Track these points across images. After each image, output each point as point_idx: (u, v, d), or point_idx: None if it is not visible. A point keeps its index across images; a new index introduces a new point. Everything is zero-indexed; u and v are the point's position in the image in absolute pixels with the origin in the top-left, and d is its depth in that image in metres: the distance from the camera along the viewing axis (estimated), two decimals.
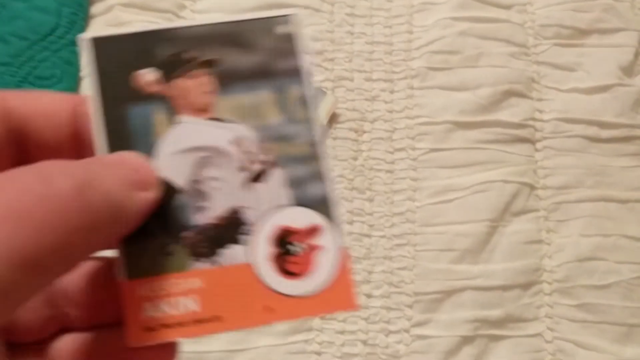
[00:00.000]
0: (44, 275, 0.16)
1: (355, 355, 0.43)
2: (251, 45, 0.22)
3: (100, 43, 0.21)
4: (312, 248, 0.21)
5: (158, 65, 0.21)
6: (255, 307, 0.20)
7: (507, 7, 0.50)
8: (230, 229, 0.21)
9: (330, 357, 0.43)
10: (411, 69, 0.48)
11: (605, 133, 0.47)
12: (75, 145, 0.22)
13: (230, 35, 0.22)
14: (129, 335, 0.20)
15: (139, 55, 0.21)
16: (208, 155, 0.21)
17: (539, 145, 0.47)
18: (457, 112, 0.47)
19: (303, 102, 0.22)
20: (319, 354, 0.43)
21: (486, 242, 0.45)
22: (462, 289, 0.44)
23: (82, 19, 0.49)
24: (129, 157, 0.20)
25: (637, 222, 0.46)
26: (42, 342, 0.21)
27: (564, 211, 0.46)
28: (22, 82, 0.48)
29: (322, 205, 0.21)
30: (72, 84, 0.47)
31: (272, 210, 0.21)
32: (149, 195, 0.20)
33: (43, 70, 0.48)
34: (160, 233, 0.21)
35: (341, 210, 0.22)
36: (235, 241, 0.21)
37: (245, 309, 0.20)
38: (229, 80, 0.21)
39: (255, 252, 0.21)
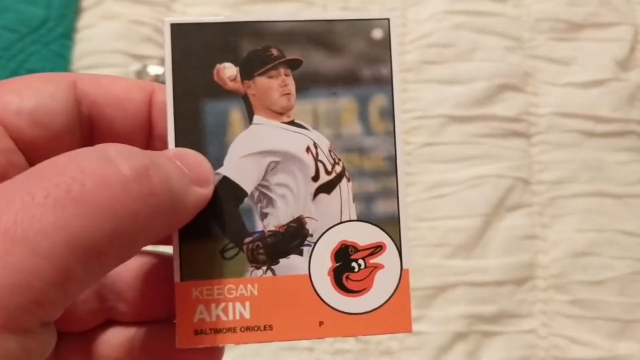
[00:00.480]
0: (102, 263, 0.16)
1: (348, 351, 0.43)
2: (339, 48, 0.20)
3: (180, 29, 0.20)
4: (374, 267, 0.20)
5: (239, 60, 0.20)
6: (308, 320, 0.20)
7: (502, 1, 0.49)
8: (292, 238, 0.20)
9: (322, 354, 0.43)
10: (405, 62, 0.48)
11: (601, 128, 0.47)
12: (146, 137, 0.21)
13: (318, 34, 0.20)
14: (179, 336, 0.20)
15: (220, 47, 0.20)
16: (280, 161, 0.20)
17: (534, 139, 0.47)
18: (452, 106, 0.47)
19: (386, 113, 0.21)
20: (310, 350, 0.43)
21: (480, 237, 0.44)
22: (455, 285, 0.43)
23: (72, 12, 0.48)
24: (188, 153, 0.20)
25: (632, 218, 0.45)
26: (85, 333, 0.21)
27: (559, 206, 0.45)
28: (13, 76, 0.47)
29: (389, 224, 0.20)
30: None
31: (337, 224, 0.20)
32: (205, 192, 0.19)
33: (33, 63, 0.47)
34: (220, 236, 0.20)
35: (408, 230, 0.21)
36: (295, 251, 0.20)
37: (297, 320, 0.20)
38: (309, 83, 0.20)
39: (315, 265, 0.20)
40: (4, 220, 0.15)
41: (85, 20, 0.48)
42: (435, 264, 0.44)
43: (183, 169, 0.19)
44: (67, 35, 0.48)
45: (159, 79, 0.46)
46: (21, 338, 0.15)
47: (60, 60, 0.47)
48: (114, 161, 0.16)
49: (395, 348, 0.43)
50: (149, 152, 0.18)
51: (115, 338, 0.21)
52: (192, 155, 0.20)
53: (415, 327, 0.43)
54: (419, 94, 0.47)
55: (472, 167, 0.46)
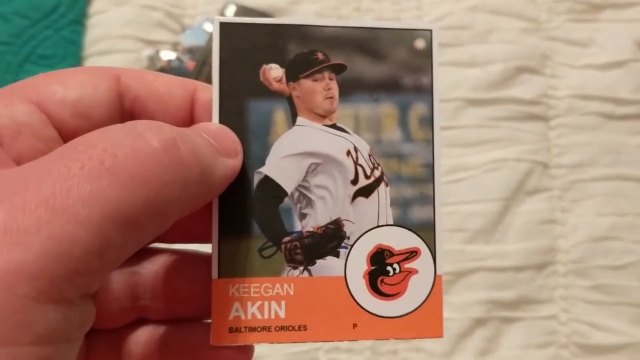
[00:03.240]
0: (138, 232, 0.16)
1: None
2: (383, 55, 0.21)
3: (228, 28, 0.20)
4: (408, 272, 0.20)
5: (285, 62, 0.20)
6: (342, 322, 0.20)
7: None
8: (330, 240, 0.20)
9: None
10: None
11: (621, 110, 0.45)
12: None
13: (363, 41, 0.21)
14: (214, 333, 0.19)
15: (266, 48, 0.20)
16: (320, 162, 0.20)
17: (552, 122, 0.45)
18: (468, 89, 0.45)
19: (425, 121, 0.21)
20: None
21: (499, 222, 0.43)
22: (474, 270, 0.42)
23: None
24: (213, 126, 0.20)
25: None
26: (116, 330, 0.21)
27: (579, 190, 0.44)
28: (24, 62, 0.46)
29: (424, 230, 0.20)
30: (74, 63, 0.45)
31: (374, 228, 0.20)
32: (234, 163, 0.19)
33: (45, 49, 0.46)
34: (259, 235, 0.20)
35: (442, 238, 0.21)
36: (332, 253, 0.20)
37: (331, 322, 0.20)
38: (352, 87, 0.21)
39: (351, 267, 0.20)
40: (43, 191, 0.15)
41: (96, 6, 0.47)
42: (453, 249, 0.42)
43: (210, 141, 0.18)
44: (79, 21, 0.46)
45: (170, 64, 0.45)
46: (62, 308, 0.15)
47: (71, 46, 0.46)
48: (143, 134, 0.16)
49: None
50: (175, 127, 0.18)
51: (146, 335, 0.21)
52: (217, 127, 0.19)
53: None
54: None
55: (489, 151, 0.44)
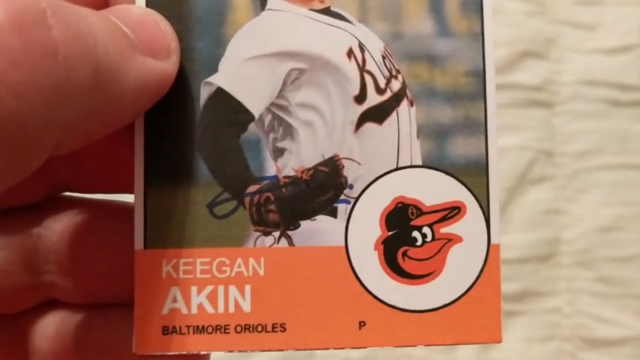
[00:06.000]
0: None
1: None
2: None
3: None
4: (447, 239, 0.14)
5: None
6: (342, 319, 0.13)
7: None
8: (322, 190, 0.14)
9: None
10: None
11: (627, 96, 0.44)
12: None
13: None
14: (138, 336, 0.13)
15: None
16: (306, 69, 0.14)
17: (557, 109, 0.43)
18: None
19: (470, 5, 0.14)
20: None
21: (501, 212, 0.41)
22: None
23: None
24: (137, 11, 0.13)
25: None
26: (19, 316, 0.16)
27: (584, 179, 0.42)
28: None
29: (471, 175, 0.14)
30: None
31: (392, 171, 0.14)
32: (163, 67, 0.13)
33: None
34: (209, 181, 0.14)
35: (497, 187, 0.14)
36: (326, 210, 0.14)
37: (325, 319, 0.13)
38: None
39: (356, 232, 0.14)
40: None
41: None
42: None
43: (121, 28, 0.12)
44: None
45: None
46: None
47: None
48: None
49: None
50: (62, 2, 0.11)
51: (56, 325, 0.16)
52: (141, 13, 0.13)
53: None
54: None
55: None
